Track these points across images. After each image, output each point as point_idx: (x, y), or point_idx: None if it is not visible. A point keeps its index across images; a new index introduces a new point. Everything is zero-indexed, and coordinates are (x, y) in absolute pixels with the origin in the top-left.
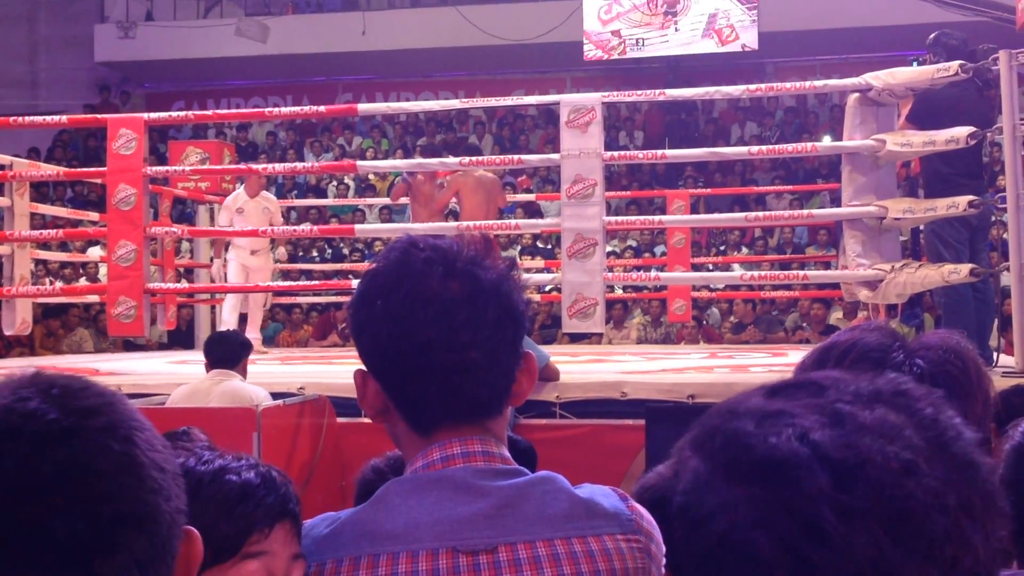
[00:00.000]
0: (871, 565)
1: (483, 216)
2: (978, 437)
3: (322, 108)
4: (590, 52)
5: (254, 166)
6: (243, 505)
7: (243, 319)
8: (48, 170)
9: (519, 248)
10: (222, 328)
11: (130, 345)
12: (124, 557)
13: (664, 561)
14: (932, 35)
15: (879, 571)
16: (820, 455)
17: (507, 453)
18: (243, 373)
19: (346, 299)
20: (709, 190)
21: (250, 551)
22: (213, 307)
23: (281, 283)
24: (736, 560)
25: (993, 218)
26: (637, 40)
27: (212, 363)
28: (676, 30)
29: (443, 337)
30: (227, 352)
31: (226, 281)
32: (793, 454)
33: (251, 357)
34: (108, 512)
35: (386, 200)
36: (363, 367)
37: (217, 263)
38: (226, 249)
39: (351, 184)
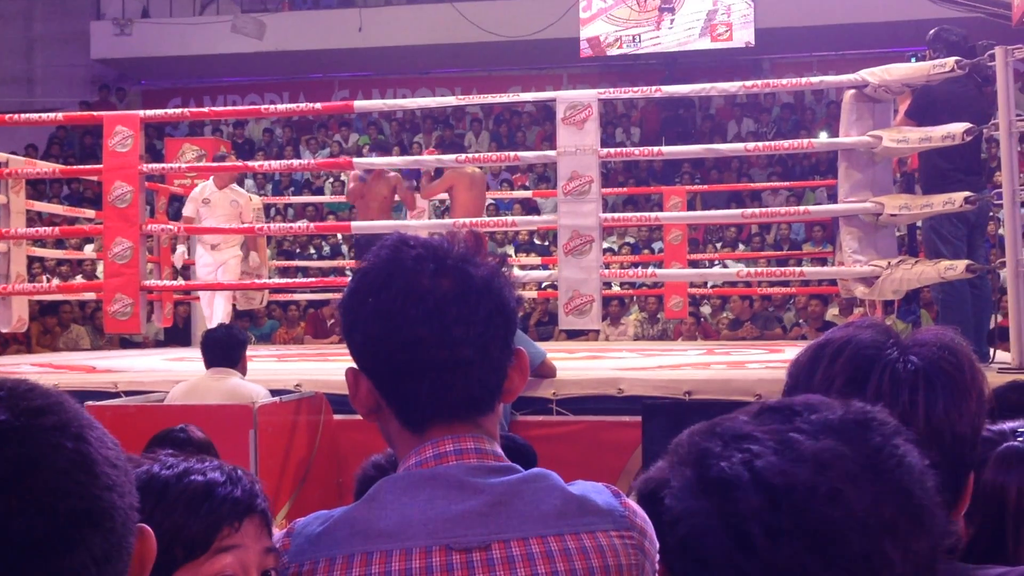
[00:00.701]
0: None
1: (476, 212)
2: (923, 464)
3: (318, 105)
4: (586, 49)
5: (250, 163)
6: (209, 501)
7: (244, 314)
8: (44, 167)
9: (515, 245)
10: (210, 324)
11: (126, 342)
12: (82, 555)
13: (658, 557)
14: (932, 31)
15: None
16: (758, 480)
17: (499, 450)
18: (243, 371)
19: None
20: (706, 187)
21: (222, 545)
22: None
23: (277, 280)
24: (692, 560)
25: (991, 214)
26: (633, 37)
27: (210, 361)
28: (671, 27)
29: (434, 334)
30: (224, 350)
31: (195, 275)
32: (736, 477)
33: None
34: (65, 509)
35: None
36: (355, 365)
37: (180, 249)
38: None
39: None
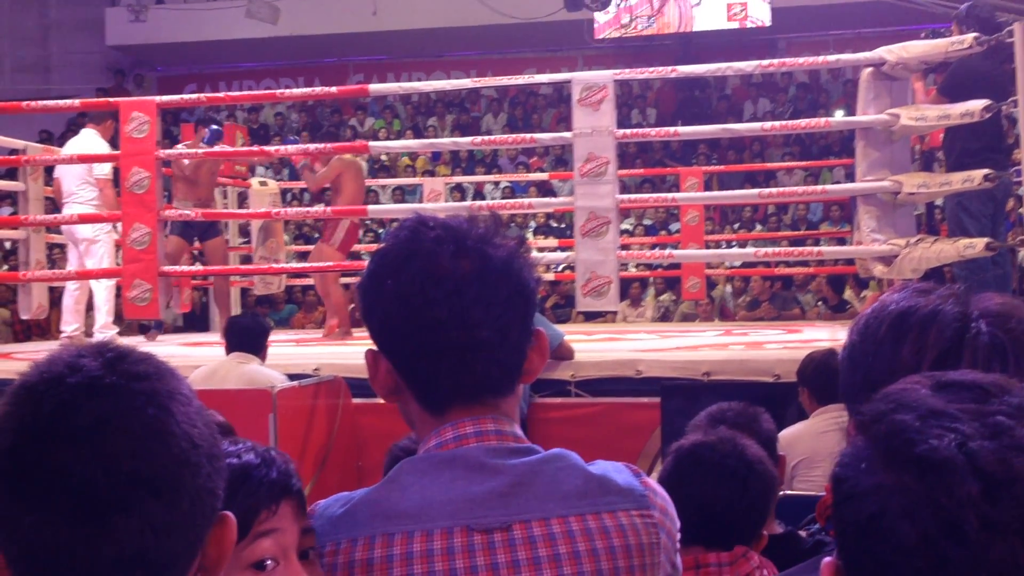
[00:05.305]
0: (1005, 571)
1: (360, 201)
2: None
3: (334, 89)
4: (601, 31)
5: (266, 148)
6: (247, 485)
7: (262, 300)
8: (62, 154)
9: (533, 227)
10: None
11: (145, 328)
12: (138, 519)
13: (678, 536)
14: (964, 6)
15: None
16: (975, 465)
17: (519, 431)
18: (263, 358)
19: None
20: (723, 167)
21: (261, 529)
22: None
23: (295, 264)
24: (880, 541)
25: (1021, 192)
26: (648, 17)
27: (231, 347)
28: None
29: (453, 315)
30: (249, 338)
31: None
32: (951, 459)
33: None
34: (127, 470)
35: (400, 180)
36: (374, 347)
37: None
38: None
39: (363, 165)
